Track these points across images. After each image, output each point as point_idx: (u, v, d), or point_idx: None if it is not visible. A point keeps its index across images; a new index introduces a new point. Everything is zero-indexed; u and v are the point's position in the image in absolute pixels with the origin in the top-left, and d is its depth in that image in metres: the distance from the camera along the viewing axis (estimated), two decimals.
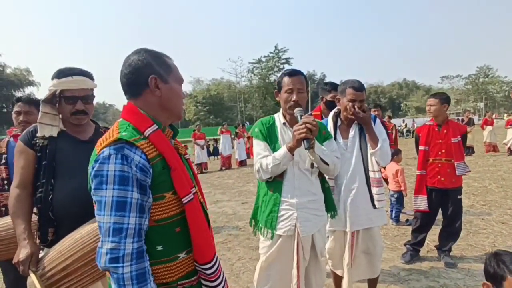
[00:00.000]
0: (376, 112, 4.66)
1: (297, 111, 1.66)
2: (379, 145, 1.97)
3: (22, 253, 1.33)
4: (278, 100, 1.82)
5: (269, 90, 35.84)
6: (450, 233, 3.02)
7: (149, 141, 0.96)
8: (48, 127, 1.48)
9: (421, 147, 3.08)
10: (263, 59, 37.07)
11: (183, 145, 1.24)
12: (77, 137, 1.54)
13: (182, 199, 0.98)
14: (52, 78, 1.49)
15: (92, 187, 0.91)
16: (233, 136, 11.71)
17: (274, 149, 1.75)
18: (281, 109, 1.86)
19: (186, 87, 46.98)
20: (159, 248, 0.97)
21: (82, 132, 1.56)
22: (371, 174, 2.06)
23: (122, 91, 1.06)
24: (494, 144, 10.68)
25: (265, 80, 37.05)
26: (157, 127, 1.00)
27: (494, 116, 12.34)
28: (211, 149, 14.35)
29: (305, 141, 1.54)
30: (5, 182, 2.03)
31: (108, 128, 1.54)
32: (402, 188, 4.22)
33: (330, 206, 1.91)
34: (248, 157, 12.07)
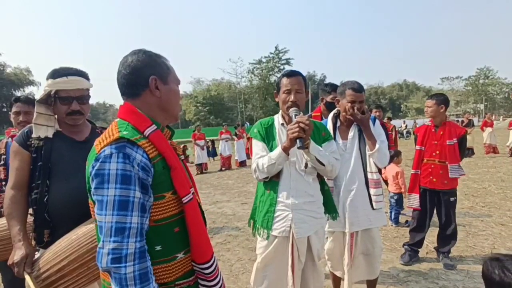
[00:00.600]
0: (377, 113, 4.66)
1: (292, 110, 1.67)
2: (376, 147, 1.97)
3: (17, 254, 1.32)
4: (277, 101, 1.82)
5: (269, 91, 35.82)
6: (446, 236, 3.03)
7: (149, 141, 0.96)
8: (43, 127, 1.47)
9: (417, 147, 3.14)
10: (264, 60, 37.08)
11: (180, 146, 1.24)
12: (73, 137, 1.53)
13: (182, 199, 0.98)
14: (47, 78, 1.47)
15: (92, 186, 0.90)
16: (228, 139, 11.62)
17: (271, 149, 1.76)
18: (280, 110, 1.86)
19: (187, 88, 47.04)
20: (158, 248, 0.97)
21: (78, 132, 1.55)
22: (369, 175, 2.06)
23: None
24: (494, 145, 10.67)
25: (265, 80, 37.04)
26: (156, 127, 1.00)
27: (493, 117, 12.32)
28: (210, 149, 14.34)
29: (298, 141, 1.54)
30: (3, 183, 2.03)
31: (104, 129, 1.54)
32: (402, 190, 4.22)
33: (330, 209, 1.90)
34: (248, 157, 12.07)
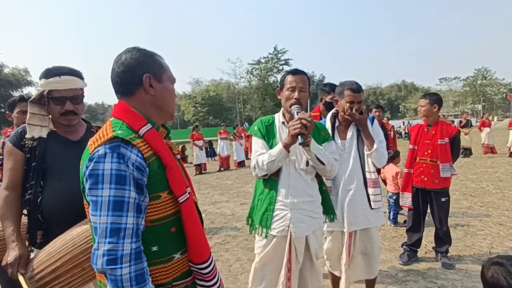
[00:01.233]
0: (377, 113, 4.66)
1: (294, 107, 1.67)
2: (374, 147, 1.98)
3: (11, 255, 1.31)
4: (280, 99, 1.82)
5: (268, 91, 35.80)
6: (441, 236, 3.05)
7: (144, 140, 0.95)
8: (37, 128, 1.45)
9: (410, 146, 3.18)
10: (262, 60, 37.01)
11: (176, 145, 1.24)
12: (68, 137, 1.51)
13: (178, 199, 0.97)
14: (40, 78, 1.45)
15: (86, 186, 0.89)
16: (224, 138, 11.62)
17: (271, 146, 1.76)
18: (281, 109, 1.86)
19: (186, 88, 47.03)
20: (154, 248, 0.95)
21: (73, 132, 1.53)
22: (367, 175, 2.06)
23: None
24: (491, 146, 10.71)
25: (264, 81, 36.98)
26: (151, 126, 0.99)
27: (491, 118, 12.37)
28: (208, 149, 14.33)
29: (299, 137, 1.54)
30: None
31: (100, 128, 1.53)
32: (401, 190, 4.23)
33: (329, 210, 1.90)
34: (247, 157, 12.07)
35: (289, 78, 1.75)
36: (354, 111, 1.98)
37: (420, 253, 3.19)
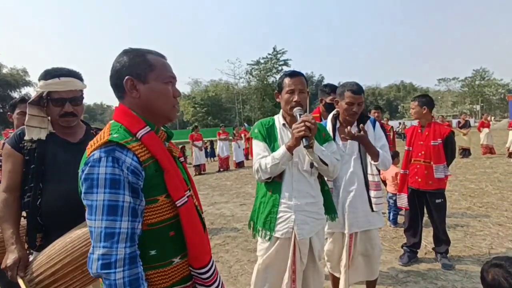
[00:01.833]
0: (376, 114, 4.67)
1: (296, 110, 1.66)
2: (380, 159, 1.99)
3: (10, 258, 1.30)
4: (279, 101, 1.81)
5: (267, 92, 35.79)
6: (439, 237, 3.07)
7: (142, 143, 0.94)
8: (36, 129, 1.44)
9: (405, 147, 3.23)
10: (261, 61, 37.02)
11: (178, 147, 1.22)
12: (67, 139, 1.50)
13: (176, 202, 0.96)
14: (39, 80, 1.44)
15: (82, 191, 0.89)
16: (230, 137, 11.68)
17: (273, 149, 1.75)
18: (281, 111, 1.86)
19: (185, 88, 46.81)
20: (153, 252, 0.95)
21: (72, 134, 1.52)
22: (369, 178, 2.07)
23: None
24: (490, 146, 10.74)
25: (263, 81, 36.99)
26: (149, 128, 0.98)
27: (489, 118, 12.40)
28: (208, 150, 14.33)
29: (304, 140, 1.54)
30: None
31: (99, 129, 1.51)
32: None
33: (330, 209, 1.90)
34: (247, 158, 12.07)
35: (287, 80, 1.74)
36: (353, 131, 1.95)
37: (420, 254, 3.20)
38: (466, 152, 10.52)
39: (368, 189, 2.05)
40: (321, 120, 2.59)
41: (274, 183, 1.76)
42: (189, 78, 49.32)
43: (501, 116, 42.75)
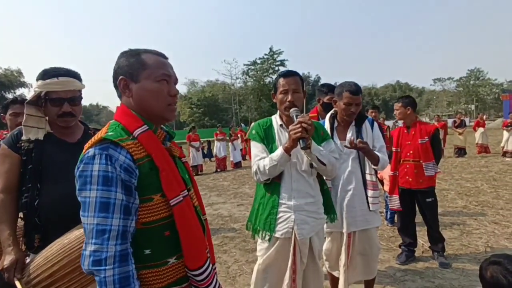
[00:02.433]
0: (373, 114, 4.70)
1: (292, 111, 1.66)
2: (380, 163, 2.02)
3: (7, 260, 1.29)
4: (275, 102, 1.82)
5: (264, 92, 35.79)
6: (433, 235, 3.10)
7: (138, 142, 0.95)
8: (33, 129, 1.43)
9: (393, 149, 3.25)
10: (258, 61, 37.02)
11: (180, 147, 1.22)
12: (65, 139, 1.49)
13: (170, 201, 0.95)
14: (37, 79, 1.43)
15: (77, 187, 0.90)
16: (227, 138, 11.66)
17: (271, 150, 1.74)
18: (278, 111, 1.86)
19: (181, 89, 46.77)
20: (147, 252, 0.94)
21: (70, 134, 1.51)
22: (367, 177, 2.08)
23: (115, 92, 1.06)
24: (485, 145, 10.86)
25: (260, 82, 36.98)
26: (147, 127, 0.98)
27: (485, 117, 12.54)
28: (205, 151, 14.30)
29: (301, 141, 1.53)
30: None
31: (98, 130, 1.50)
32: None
33: (329, 209, 1.90)
34: (244, 158, 12.07)
35: (281, 81, 1.74)
36: (356, 142, 1.96)
37: (417, 252, 3.22)
38: (461, 151, 10.62)
39: (366, 188, 2.06)
40: (318, 120, 2.60)
41: (273, 184, 1.76)
42: (185, 79, 49.18)
43: (495, 115, 43.19)
